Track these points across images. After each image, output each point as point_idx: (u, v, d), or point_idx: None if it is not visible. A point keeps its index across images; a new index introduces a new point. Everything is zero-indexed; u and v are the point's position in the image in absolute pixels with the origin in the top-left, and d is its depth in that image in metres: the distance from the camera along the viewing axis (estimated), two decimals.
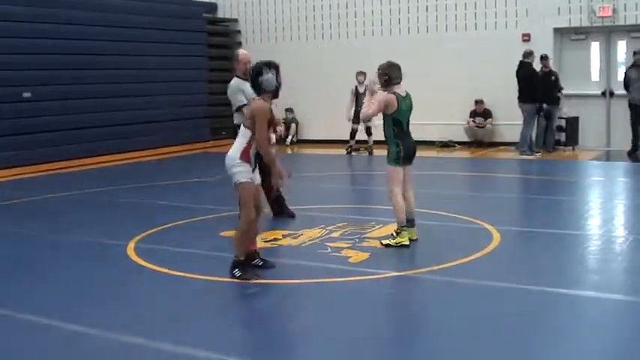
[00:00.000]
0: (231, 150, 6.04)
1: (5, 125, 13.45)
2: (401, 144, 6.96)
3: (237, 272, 6.02)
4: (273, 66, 6.00)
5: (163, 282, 6.19)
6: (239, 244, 6.10)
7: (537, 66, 14.41)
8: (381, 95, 6.94)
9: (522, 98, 14.11)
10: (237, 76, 8.50)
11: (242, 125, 6.06)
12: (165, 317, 5.28)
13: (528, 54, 14.25)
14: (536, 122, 14.45)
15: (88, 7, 15.13)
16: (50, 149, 14.17)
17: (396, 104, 6.89)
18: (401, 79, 7.00)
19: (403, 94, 6.99)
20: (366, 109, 7.09)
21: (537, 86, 14.04)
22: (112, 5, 15.71)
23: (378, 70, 7.02)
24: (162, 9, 16.82)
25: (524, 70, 14.14)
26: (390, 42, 16.76)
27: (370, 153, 15.25)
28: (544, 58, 14.43)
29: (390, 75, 6.94)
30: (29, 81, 13.91)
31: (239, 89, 8.35)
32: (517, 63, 14.30)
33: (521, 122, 14.35)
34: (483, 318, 5.13)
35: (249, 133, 5.92)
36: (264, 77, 5.94)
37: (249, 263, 6.15)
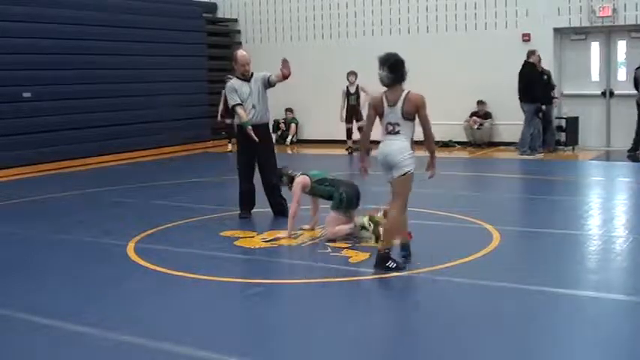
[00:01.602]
0: (395, 144, 6.20)
1: (5, 125, 13.45)
2: (342, 189, 7.43)
3: (391, 264, 6.16)
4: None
5: (163, 282, 6.19)
6: (389, 235, 6.25)
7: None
8: (296, 186, 7.57)
9: (523, 98, 14.11)
10: (237, 77, 8.54)
11: (401, 118, 6.21)
12: (165, 317, 5.28)
13: (531, 53, 14.24)
14: (537, 122, 14.43)
15: (88, 7, 15.12)
16: (50, 149, 14.17)
17: (308, 179, 7.59)
18: (294, 170, 7.82)
19: (305, 172, 7.76)
20: (293, 209, 7.57)
21: (537, 86, 14.04)
22: (112, 5, 15.70)
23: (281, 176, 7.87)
24: (162, 9, 16.82)
25: (525, 70, 14.14)
26: (390, 42, 16.72)
27: (367, 153, 15.24)
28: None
29: (288, 173, 7.76)
30: (29, 81, 13.90)
31: (234, 89, 8.41)
32: (517, 63, 14.31)
33: (521, 122, 14.36)
34: (483, 318, 5.13)
35: (410, 123, 6.21)
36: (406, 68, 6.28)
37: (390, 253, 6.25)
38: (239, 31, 19.03)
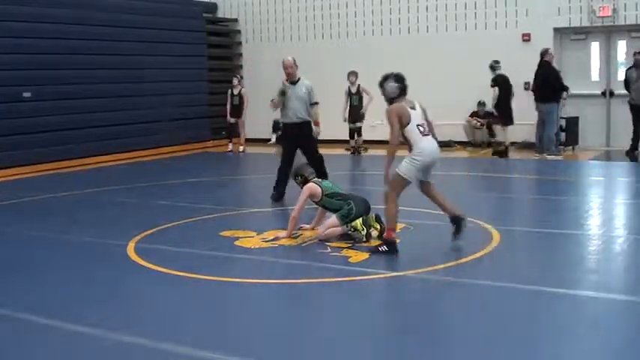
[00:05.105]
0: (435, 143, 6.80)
1: (5, 125, 13.45)
2: (352, 203, 7.36)
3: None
4: None
5: (163, 282, 6.19)
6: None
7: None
8: (305, 190, 7.52)
9: (540, 98, 14.02)
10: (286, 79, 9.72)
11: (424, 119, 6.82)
12: (165, 317, 5.28)
13: (545, 52, 14.07)
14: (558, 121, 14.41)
15: (88, 7, 15.13)
16: (50, 149, 14.17)
17: (319, 189, 7.50)
18: (314, 174, 7.89)
19: (320, 180, 7.79)
20: (295, 212, 7.51)
21: (554, 86, 13.96)
22: (112, 5, 15.70)
23: (295, 178, 7.84)
24: (162, 9, 16.83)
25: (541, 70, 14.02)
26: (390, 42, 16.77)
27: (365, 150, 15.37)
28: None
29: (304, 175, 7.77)
30: (29, 81, 13.90)
31: (280, 90, 9.54)
32: (517, 63, 14.35)
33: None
34: (483, 318, 5.13)
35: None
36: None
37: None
38: (239, 31, 19.03)
